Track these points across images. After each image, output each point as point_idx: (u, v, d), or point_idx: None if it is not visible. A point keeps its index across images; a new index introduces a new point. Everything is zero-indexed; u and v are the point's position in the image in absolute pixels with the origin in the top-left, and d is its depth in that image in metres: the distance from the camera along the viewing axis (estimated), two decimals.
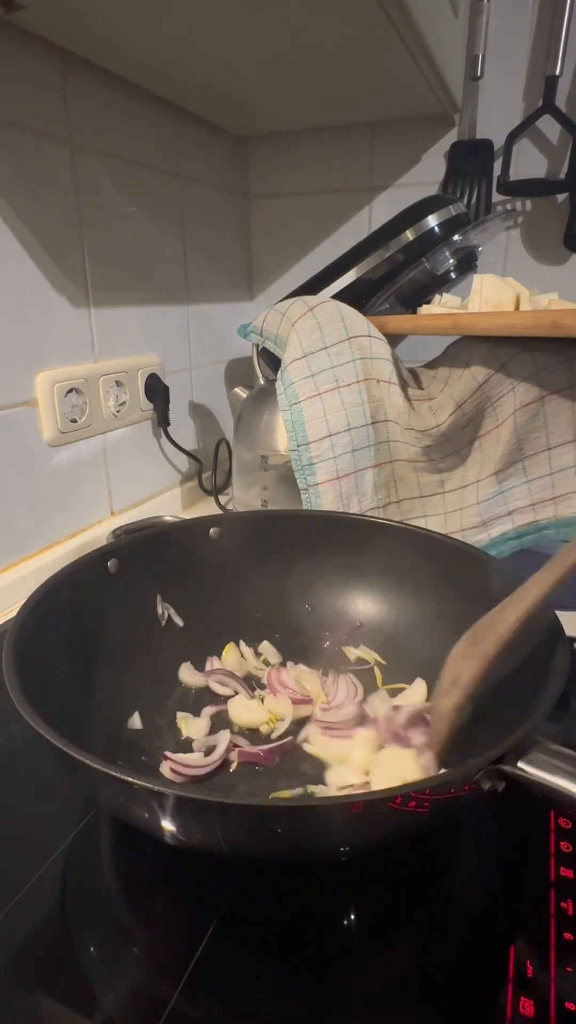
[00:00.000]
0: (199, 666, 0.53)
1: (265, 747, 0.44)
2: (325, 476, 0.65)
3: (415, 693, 0.49)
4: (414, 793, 0.27)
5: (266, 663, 0.55)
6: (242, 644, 0.56)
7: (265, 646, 0.56)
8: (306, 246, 1.05)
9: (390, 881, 0.36)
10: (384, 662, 0.54)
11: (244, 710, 0.48)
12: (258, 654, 0.55)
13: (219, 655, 0.54)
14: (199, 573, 0.56)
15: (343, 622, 0.57)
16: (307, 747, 0.45)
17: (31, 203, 0.63)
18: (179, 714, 0.48)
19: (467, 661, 0.36)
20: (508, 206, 0.90)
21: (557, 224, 0.88)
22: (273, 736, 0.46)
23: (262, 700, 0.49)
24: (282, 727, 0.47)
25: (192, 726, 0.47)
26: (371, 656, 0.54)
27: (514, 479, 0.64)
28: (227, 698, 0.50)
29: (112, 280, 0.75)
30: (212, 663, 0.53)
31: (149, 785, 0.28)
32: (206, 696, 0.51)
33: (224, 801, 0.29)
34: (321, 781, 0.42)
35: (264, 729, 0.47)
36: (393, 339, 0.74)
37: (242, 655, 0.55)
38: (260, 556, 0.58)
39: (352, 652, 0.55)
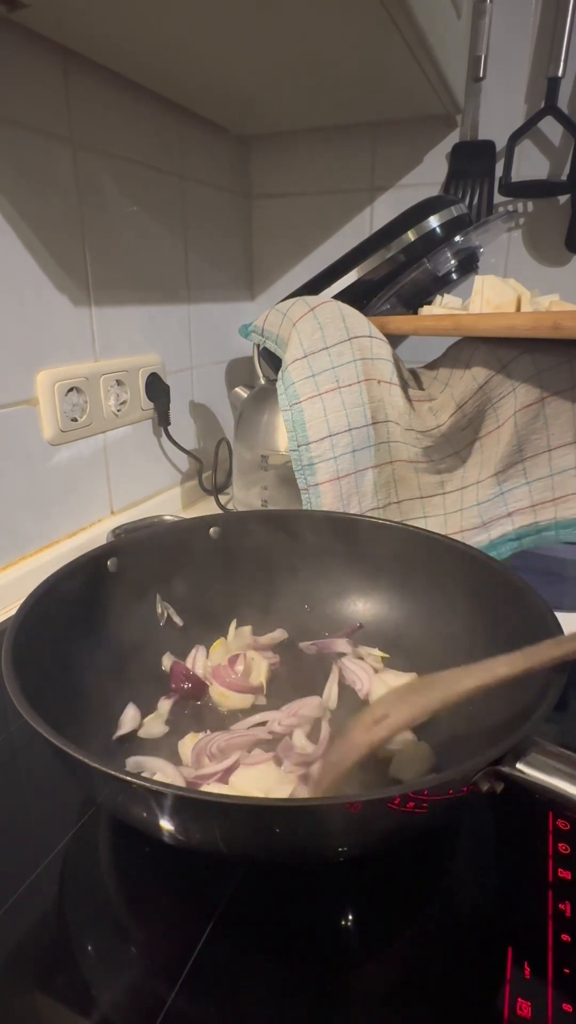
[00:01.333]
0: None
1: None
2: (325, 476, 0.65)
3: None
4: (412, 794, 0.27)
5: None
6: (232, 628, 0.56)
7: (243, 630, 0.56)
8: (307, 246, 1.05)
9: (388, 882, 0.36)
10: (382, 665, 0.54)
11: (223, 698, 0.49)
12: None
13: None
14: (199, 573, 0.56)
15: (343, 622, 0.57)
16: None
17: (33, 202, 0.63)
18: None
19: (402, 706, 0.35)
20: (510, 207, 0.90)
21: (559, 225, 0.88)
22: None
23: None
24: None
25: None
26: (376, 655, 0.54)
27: (514, 480, 0.64)
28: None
29: (113, 279, 0.75)
30: (195, 655, 0.53)
31: (147, 784, 0.28)
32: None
33: (222, 801, 0.29)
34: None
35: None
36: (394, 340, 0.74)
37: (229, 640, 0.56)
38: (260, 556, 0.58)
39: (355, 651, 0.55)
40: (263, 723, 0.47)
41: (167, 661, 0.52)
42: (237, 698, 0.50)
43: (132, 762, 0.42)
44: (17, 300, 0.62)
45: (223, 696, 0.50)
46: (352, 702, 0.50)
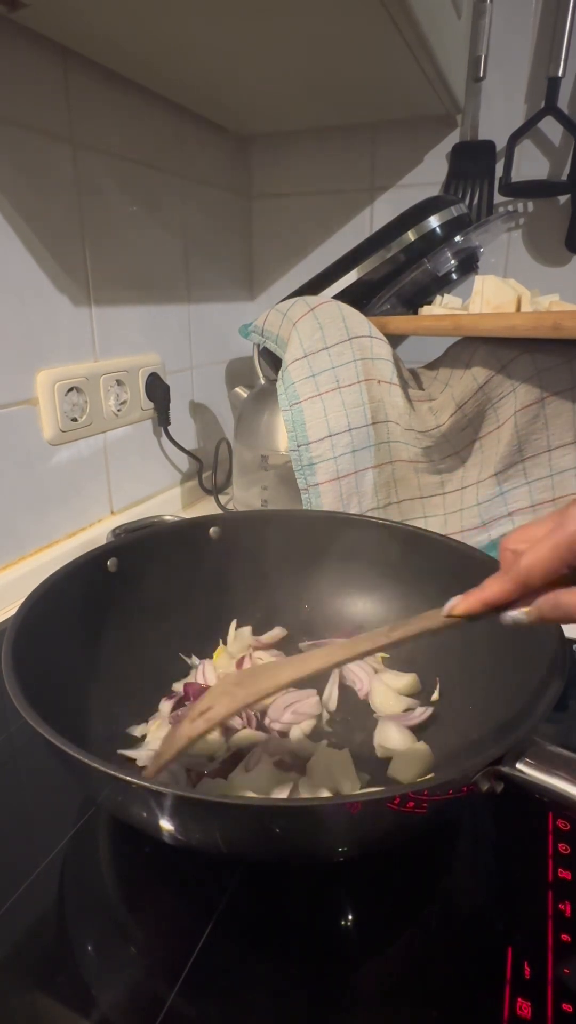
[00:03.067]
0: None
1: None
2: (325, 476, 0.65)
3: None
4: (412, 794, 0.27)
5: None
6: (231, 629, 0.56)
7: (243, 631, 0.56)
8: (307, 246, 1.05)
9: (388, 882, 0.36)
10: (381, 665, 0.54)
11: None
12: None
13: (211, 657, 0.54)
14: (199, 573, 0.56)
15: (342, 622, 0.57)
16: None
17: (33, 201, 0.63)
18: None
19: (224, 699, 0.36)
20: (510, 207, 0.90)
21: (559, 226, 0.88)
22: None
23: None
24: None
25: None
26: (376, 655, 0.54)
27: (514, 480, 0.64)
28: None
29: (113, 279, 0.75)
30: (202, 669, 0.52)
31: (147, 784, 0.28)
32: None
33: (222, 801, 0.29)
34: None
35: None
36: (394, 340, 0.74)
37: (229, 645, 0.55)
38: (260, 556, 0.58)
39: None
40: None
41: (178, 687, 0.51)
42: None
43: (146, 756, 0.42)
44: (17, 300, 0.62)
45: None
46: (352, 702, 0.50)
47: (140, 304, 0.81)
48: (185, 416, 0.94)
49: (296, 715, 0.47)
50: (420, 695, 0.50)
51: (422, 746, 0.44)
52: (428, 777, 0.40)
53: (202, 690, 0.49)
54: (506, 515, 0.64)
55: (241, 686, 0.36)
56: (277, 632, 0.56)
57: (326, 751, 0.44)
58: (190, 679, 0.51)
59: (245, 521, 0.59)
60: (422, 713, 0.47)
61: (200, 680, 0.51)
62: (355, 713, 0.49)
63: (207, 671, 0.51)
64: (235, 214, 1.02)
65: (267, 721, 0.47)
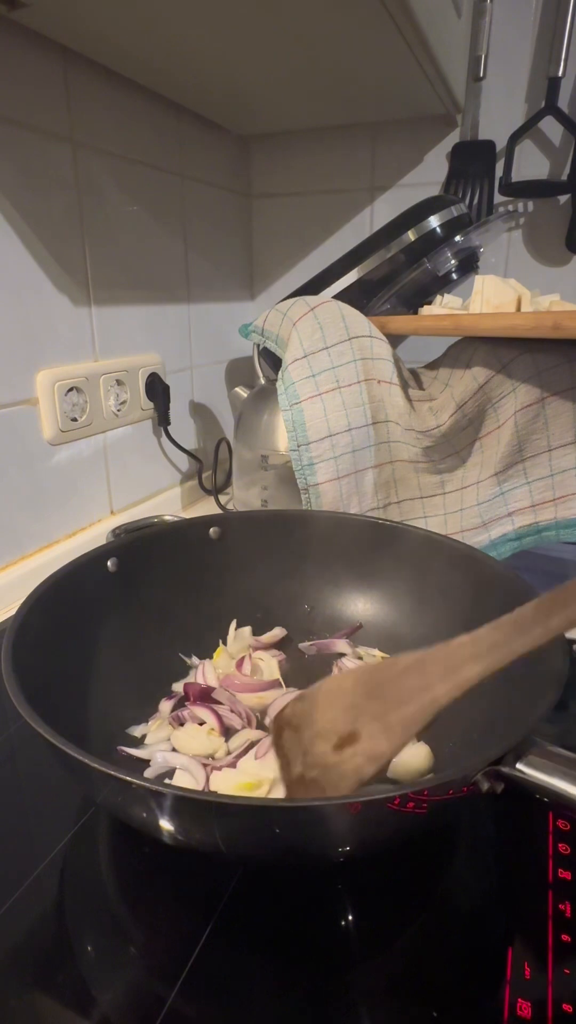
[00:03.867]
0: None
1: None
2: (325, 476, 0.65)
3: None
4: (412, 794, 0.27)
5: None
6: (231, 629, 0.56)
7: (243, 631, 0.56)
8: (307, 246, 1.05)
9: (388, 882, 0.36)
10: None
11: (190, 740, 0.45)
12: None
13: (212, 656, 0.54)
14: (199, 573, 0.56)
15: (342, 622, 0.57)
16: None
17: (33, 201, 0.63)
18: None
19: (374, 726, 0.29)
20: (510, 207, 0.90)
21: (559, 225, 0.88)
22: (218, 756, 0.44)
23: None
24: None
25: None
26: (375, 655, 0.54)
27: (514, 480, 0.64)
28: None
29: (113, 279, 0.75)
30: (202, 669, 0.51)
31: (147, 784, 0.28)
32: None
33: (222, 801, 0.29)
34: None
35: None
36: (394, 340, 0.74)
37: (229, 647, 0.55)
38: (260, 556, 0.58)
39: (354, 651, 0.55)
40: None
41: (178, 687, 0.51)
42: (254, 698, 0.49)
43: (161, 757, 0.42)
44: (17, 300, 0.62)
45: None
46: None
47: (140, 304, 0.80)
48: (185, 416, 0.93)
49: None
50: None
51: (422, 747, 0.44)
52: (428, 777, 0.40)
53: (202, 690, 0.49)
54: (506, 515, 0.64)
55: (383, 702, 0.29)
56: (277, 632, 0.56)
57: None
58: (190, 679, 0.51)
59: (245, 521, 0.59)
60: None
61: (200, 680, 0.50)
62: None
63: (207, 671, 0.51)
64: (235, 214, 1.02)
65: (267, 721, 0.47)
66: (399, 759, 0.43)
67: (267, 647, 0.55)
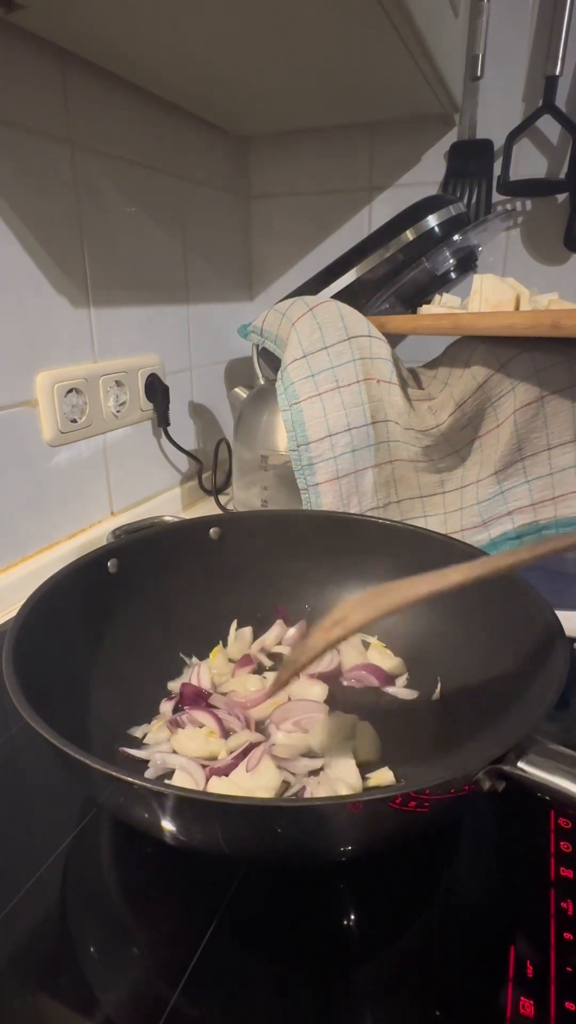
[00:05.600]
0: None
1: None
2: (325, 476, 0.65)
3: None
4: (414, 793, 0.27)
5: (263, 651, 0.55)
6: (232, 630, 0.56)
7: (244, 631, 0.56)
8: (306, 246, 1.05)
9: (390, 881, 0.36)
10: (374, 639, 0.54)
11: (189, 742, 0.44)
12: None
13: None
14: (199, 573, 0.56)
15: None
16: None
17: (31, 203, 0.63)
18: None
19: (361, 608, 0.36)
20: (508, 206, 0.90)
21: (557, 224, 0.88)
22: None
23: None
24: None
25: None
26: (375, 643, 0.55)
27: (514, 479, 0.64)
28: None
29: (112, 280, 0.75)
30: (197, 671, 0.51)
31: (149, 785, 0.28)
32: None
33: (223, 801, 0.29)
34: None
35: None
36: (393, 339, 0.74)
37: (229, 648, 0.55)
38: (260, 556, 0.58)
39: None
40: None
41: (174, 686, 0.51)
42: (269, 706, 0.49)
43: (160, 758, 0.42)
44: (16, 301, 0.62)
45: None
46: (350, 699, 0.50)
47: (139, 305, 0.81)
48: (185, 416, 0.94)
49: (296, 727, 0.46)
50: (419, 694, 0.50)
51: (365, 725, 0.46)
52: (430, 775, 0.40)
53: (196, 691, 0.49)
54: (506, 514, 0.64)
55: (376, 597, 0.36)
56: (277, 629, 0.56)
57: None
58: (184, 679, 0.51)
59: (245, 521, 0.59)
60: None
61: (194, 680, 0.50)
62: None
63: (202, 672, 0.51)
64: (234, 214, 1.02)
65: (267, 723, 0.47)
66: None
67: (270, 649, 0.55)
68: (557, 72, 0.81)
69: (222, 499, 0.91)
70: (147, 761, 0.43)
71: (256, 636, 0.56)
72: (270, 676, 0.52)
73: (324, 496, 0.65)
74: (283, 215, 1.05)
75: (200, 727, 0.45)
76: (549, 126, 0.85)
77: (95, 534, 0.75)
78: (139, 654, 0.50)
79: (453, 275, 0.77)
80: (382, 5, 0.55)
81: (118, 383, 0.76)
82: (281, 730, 0.46)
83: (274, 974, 0.31)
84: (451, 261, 0.76)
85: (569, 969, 0.30)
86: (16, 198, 0.61)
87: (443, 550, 0.52)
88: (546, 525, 0.63)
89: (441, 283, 0.77)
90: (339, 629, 0.36)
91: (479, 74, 0.84)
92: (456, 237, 0.74)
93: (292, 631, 0.56)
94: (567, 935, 0.32)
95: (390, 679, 0.51)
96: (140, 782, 0.28)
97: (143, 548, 0.53)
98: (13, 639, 0.38)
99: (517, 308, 0.66)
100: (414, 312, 0.77)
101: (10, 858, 0.37)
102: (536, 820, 0.39)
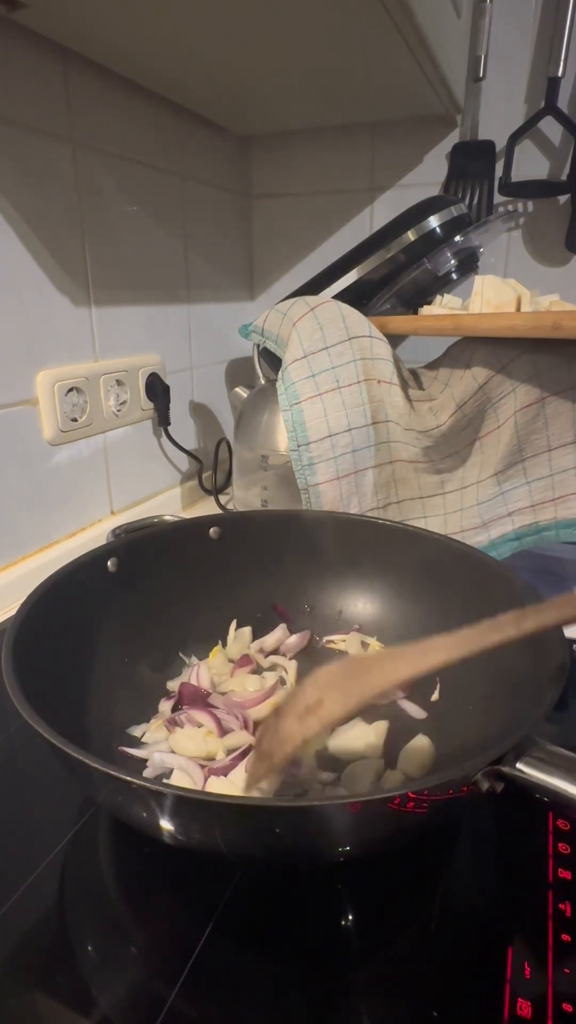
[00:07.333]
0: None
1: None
2: (325, 476, 0.65)
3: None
4: (412, 794, 0.27)
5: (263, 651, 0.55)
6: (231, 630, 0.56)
7: (243, 632, 0.56)
8: (307, 246, 1.05)
9: (388, 882, 0.36)
10: (373, 640, 0.54)
11: (187, 742, 0.44)
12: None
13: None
14: (199, 573, 0.56)
15: (342, 622, 0.57)
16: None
17: (33, 201, 0.63)
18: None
19: (336, 695, 0.32)
20: (510, 207, 0.90)
21: (559, 225, 0.88)
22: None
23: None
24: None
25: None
26: (372, 643, 0.55)
27: (514, 480, 0.64)
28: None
29: (113, 279, 0.75)
30: (196, 671, 0.51)
31: (147, 784, 0.28)
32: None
33: (222, 801, 0.29)
34: None
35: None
36: (394, 340, 0.74)
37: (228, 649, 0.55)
38: (260, 556, 0.58)
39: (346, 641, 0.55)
40: None
41: (173, 686, 0.51)
42: (267, 706, 0.49)
43: (158, 758, 0.42)
44: (17, 300, 0.62)
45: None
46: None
47: (140, 304, 0.81)
48: (185, 416, 0.94)
49: None
50: (420, 694, 0.50)
51: (423, 738, 0.44)
52: (429, 777, 0.40)
53: (195, 691, 0.49)
54: (506, 515, 0.64)
55: (352, 680, 0.32)
56: (279, 632, 0.56)
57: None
58: (184, 679, 0.51)
59: (245, 521, 0.59)
60: None
61: (193, 680, 0.50)
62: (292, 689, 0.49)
63: (201, 672, 0.51)
64: (235, 214, 1.02)
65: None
66: (406, 749, 0.43)
67: (278, 650, 0.55)
68: (559, 73, 0.81)
69: (222, 499, 0.91)
70: (146, 760, 0.43)
71: (256, 636, 0.56)
72: (269, 676, 0.52)
73: (324, 496, 0.65)
74: (285, 215, 1.05)
75: (199, 727, 0.45)
76: (551, 127, 0.85)
77: (95, 533, 0.75)
78: (138, 653, 0.50)
79: (454, 276, 0.77)
80: (384, 5, 0.55)
81: (119, 382, 0.76)
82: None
83: (272, 974, 0.31)
84: (452, 262, 0.76)
85: (567, 971, 0.30)
86: (17, 197, 0.61)
87: (443, 551, 0.52)
88: (546, 527, 0.63)
89: (442, 284, 0.77)
90: (315, 720, 0.32)
91: (481, 75, 0.84)
92: (458, 238, 0.74)
93: (293, 639, 0.56)
94: (565, 937, 0.32)
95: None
96: (138, 781, 0.28)
97: (143, 547, 0.53)
98: (12, 638, 0.38)
99: (518, 309, 0.66)
100: (415, 313, 0.77)
101: (8, 857, 0.37)
102: (534, 821, 0.39)
